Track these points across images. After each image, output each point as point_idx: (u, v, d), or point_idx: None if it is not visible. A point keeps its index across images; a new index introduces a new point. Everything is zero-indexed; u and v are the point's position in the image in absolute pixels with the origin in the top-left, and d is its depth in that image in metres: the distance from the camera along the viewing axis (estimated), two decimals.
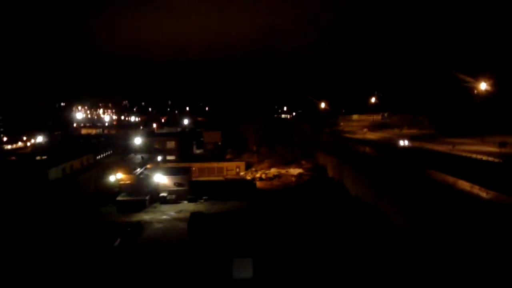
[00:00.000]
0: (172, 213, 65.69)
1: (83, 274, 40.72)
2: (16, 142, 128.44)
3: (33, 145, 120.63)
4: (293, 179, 77.19)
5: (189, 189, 73.60)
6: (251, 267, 32.09)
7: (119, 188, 72.30)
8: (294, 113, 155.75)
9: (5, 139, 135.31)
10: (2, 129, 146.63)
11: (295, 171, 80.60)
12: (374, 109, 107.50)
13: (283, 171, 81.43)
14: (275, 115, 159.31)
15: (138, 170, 76.93)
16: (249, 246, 39.82)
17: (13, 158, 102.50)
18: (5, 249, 44.93)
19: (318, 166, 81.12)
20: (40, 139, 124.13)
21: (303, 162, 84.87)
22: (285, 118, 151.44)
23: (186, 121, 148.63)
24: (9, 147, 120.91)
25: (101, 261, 44.69)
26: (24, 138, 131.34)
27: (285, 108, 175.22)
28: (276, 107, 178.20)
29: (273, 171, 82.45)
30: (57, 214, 60.15)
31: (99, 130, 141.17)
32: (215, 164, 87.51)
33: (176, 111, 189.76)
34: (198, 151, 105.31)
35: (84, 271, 41.60)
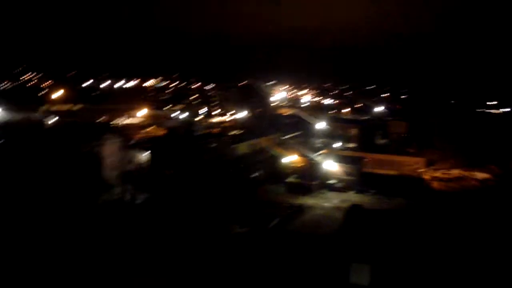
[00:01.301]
0: (336, 201, 66.48)
1: (225, 249, 43.79)
2: (223, 116, 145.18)
3: (235, 119, 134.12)
4: (475, 183, 69.14)
5: (359, 180, 72.83)
6: (368, 274, 31.04)
7: (291, 170, 76.22)
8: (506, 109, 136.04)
9: (217, 112, 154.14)
10: (217, 104, 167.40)
11: (480, 175, 71.88)
12: None
13: (466, 173, 73.48)
14: (480, 110, 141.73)
15: (313, 154, 79.48)
16: (379, 250, 37.90)
17: (217, 130, 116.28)
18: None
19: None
20: (243, 114, 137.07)
21: (493, 166, 74.77)
22: (492, 113, 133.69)
23: (379, 109, 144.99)
24: (215, 120, 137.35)
25: (253, 239, 48.10)
26: (231, 113, 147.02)
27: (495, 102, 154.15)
28: (486, 101, 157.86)
29: (455, 172, 75.16)
30: (231, 188, 66.51)
31: (295, 111, 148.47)
32: (393, 157, 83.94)
33: (373, 98, 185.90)
34: (381, 141, 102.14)
35: (227, 246, 44.83)
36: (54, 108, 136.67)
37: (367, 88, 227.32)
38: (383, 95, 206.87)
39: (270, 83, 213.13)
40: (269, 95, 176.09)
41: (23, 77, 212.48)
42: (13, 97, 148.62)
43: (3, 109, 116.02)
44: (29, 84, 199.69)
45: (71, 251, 39.51)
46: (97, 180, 55.74)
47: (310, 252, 42.28)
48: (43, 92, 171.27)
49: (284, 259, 40.55)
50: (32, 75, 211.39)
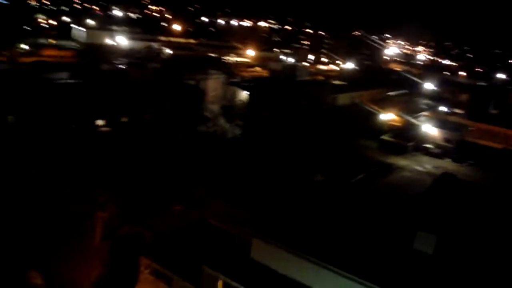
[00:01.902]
0: (428, 166, 64.34)
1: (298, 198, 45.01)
2: (330, 64, 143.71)
3: (341, 69, 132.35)
4: None
5: (459, 148, 69.35)
6: (433, 244, 30.87)
7: (388, 127, 74.64)
8: None
9: (324, 59, 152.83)
10: (326, 51, 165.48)
11: None
12: None
13: None
14: None
15: (414, 115, 76.79)
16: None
17: (321, 78, 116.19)
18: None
19: None
20: (350, 65, 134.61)
21: None
22: None
23: (500, 76, 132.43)
24: (321, 67, 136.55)
25: (332, 189, 49.00)
26: (338, 62, 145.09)
27: None
28: None
29: None
30: (324, 136, 67.21)
31: (405, 68, 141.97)
32: (503, 130, 77.70)
33: (496, 64, 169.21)
34: (493, 111, 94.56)
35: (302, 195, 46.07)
36: (171, 40, 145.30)
37: (492, 51, 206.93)
38: (510, 61, 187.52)
39: (384, 36, 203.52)
40: (381, 48, 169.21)
41: (149, 7, 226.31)
42: (139, 26, 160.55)
43: (128, 38, 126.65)
44: (153, 15, 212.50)
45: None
46: (197, 112, 59.92)
47: (385, 211, 42.45)
48: (164, 24, 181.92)
49: (357, 213, 41.19)
50: (154, 6, 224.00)
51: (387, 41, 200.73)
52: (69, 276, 27.69)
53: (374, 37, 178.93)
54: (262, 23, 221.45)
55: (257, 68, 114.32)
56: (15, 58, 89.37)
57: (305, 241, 29.91)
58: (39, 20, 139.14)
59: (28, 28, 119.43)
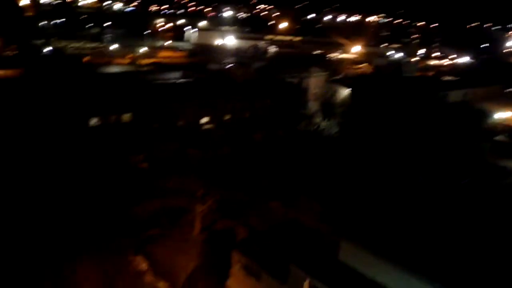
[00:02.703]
0: None
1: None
2: (442, 59, 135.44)
3: (453, 64, 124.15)
4: None
5: None
6: None
7: (502, 127, 68.66)
8: None
9: (436, 54, 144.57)
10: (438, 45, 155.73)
11: None
12: None
13: None
14: None
15: None
16: None
17: (431, 74, 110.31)
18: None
19: None
20: (464, 59, 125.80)
21: None
22: None
23: None
24: (432, 62, 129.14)
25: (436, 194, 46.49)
26: (451, 56, 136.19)
27: None
28: None
29: None
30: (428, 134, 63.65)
31: None
32: None
33: None
34: None
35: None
36: (278, 38, 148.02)
37: None
38: None
39: (509, 26, 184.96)
40: (502, 40, 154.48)
41: (257, 7, 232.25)
42: (248, 26, 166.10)
43: (236, 38, 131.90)
44: (261, 14, 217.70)
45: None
46: (297, 110, 60.77)
47: (495, 220, 39.54)
48: (272, 22, 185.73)
49: (462, 219, 38.94)
50: (263, 5, 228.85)
51: (510, 32, 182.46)
52: (169, 265, 30.23)
53: (496, 28, 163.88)
54: (371, 18, 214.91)
55: (363, 65, 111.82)
56: (136, 60, 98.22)
57: (400, 246, 28.66)
58: (158, 24, 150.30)
59: (148, 32, 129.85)
